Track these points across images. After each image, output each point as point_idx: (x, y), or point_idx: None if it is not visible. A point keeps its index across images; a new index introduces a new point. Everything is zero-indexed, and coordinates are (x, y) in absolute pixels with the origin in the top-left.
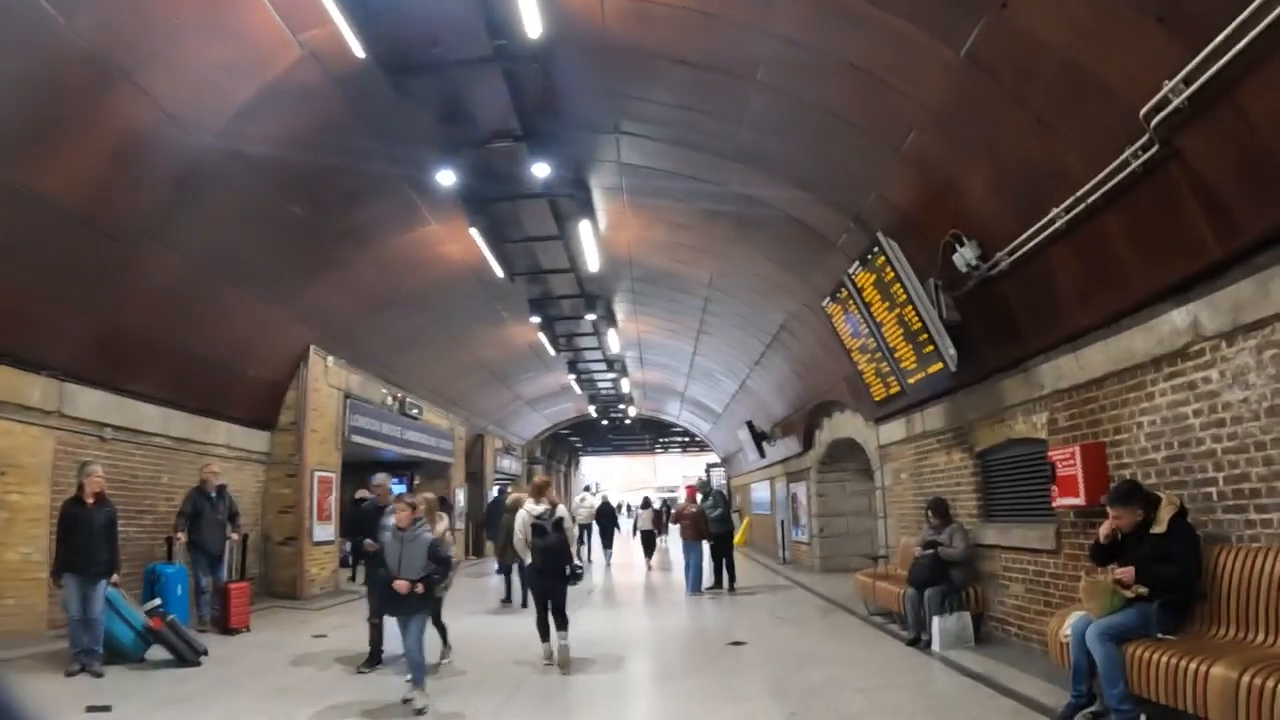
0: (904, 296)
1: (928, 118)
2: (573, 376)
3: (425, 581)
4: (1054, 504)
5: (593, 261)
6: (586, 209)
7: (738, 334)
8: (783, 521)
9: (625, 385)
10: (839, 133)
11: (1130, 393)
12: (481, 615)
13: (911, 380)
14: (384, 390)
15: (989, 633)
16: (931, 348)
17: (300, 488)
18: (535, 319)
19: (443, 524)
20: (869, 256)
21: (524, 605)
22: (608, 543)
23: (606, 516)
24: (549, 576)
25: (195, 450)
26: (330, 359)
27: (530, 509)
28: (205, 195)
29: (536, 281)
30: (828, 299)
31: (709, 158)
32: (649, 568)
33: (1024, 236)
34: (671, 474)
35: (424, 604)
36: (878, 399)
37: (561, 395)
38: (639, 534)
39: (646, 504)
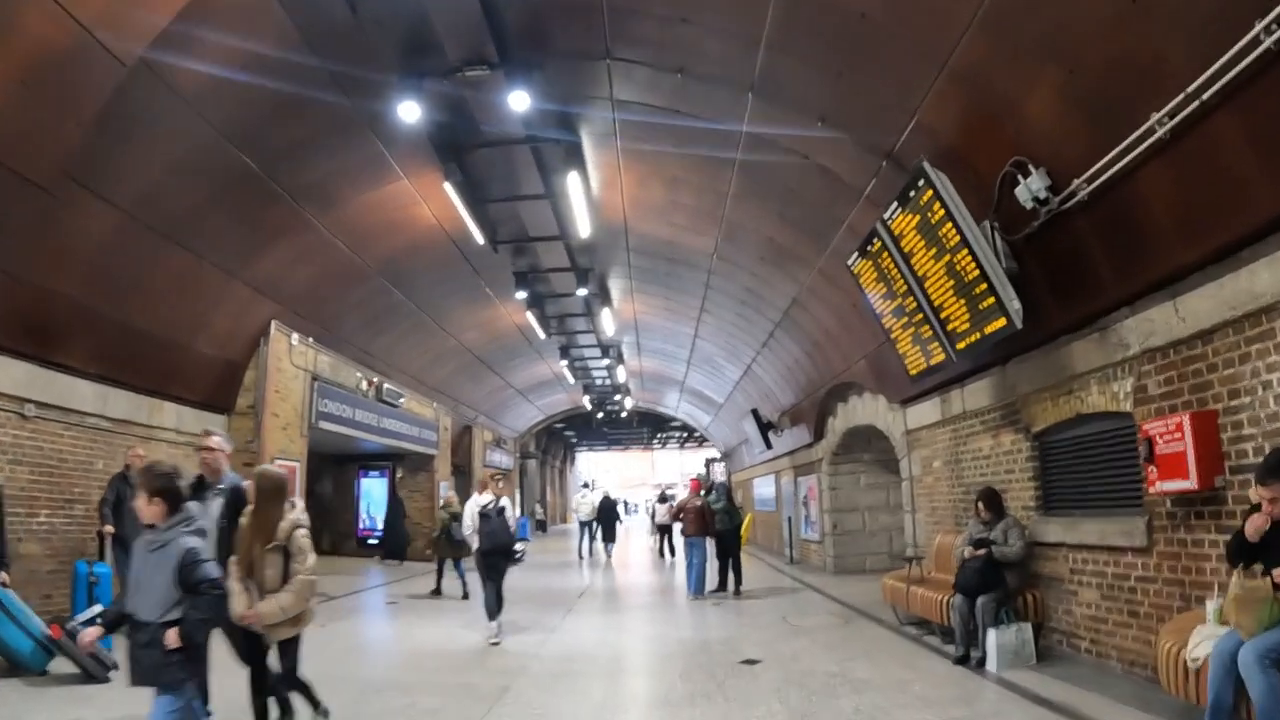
0: (956, 239)
1: (982, 14)
2: (565, 363)
3: (178, 628)
4: (1151, 489)
5: (584, 226)
6: (575, 159)
7: (744, 313)
8: (790, 518)
9: (621, 374)
10: (872, 45)
11: (1253, 344)
12: (439, 623)
13: (961, 345)
14: (358, 374)
15: (1049, 647)
16: (991, 301)
17: None
18: (522, 294)
19: (291, 516)
20: (910, 194)
21: (465, 597)
22: (609, 537)
23: (608, 511)
24: (493, 555)
25: (139, 434)
26: (295, 337)
27: (478, 500)
28: (136, 135)
29: (523, 253)
30: (855, 255)
31: (713, 89)
32: (670, 565)
33: (1110, 156)
34: (669, 470)
35: (176, 669)
36: (914, 373)
37: (554, 385)
38: (657, 529)
39: (664, 499)
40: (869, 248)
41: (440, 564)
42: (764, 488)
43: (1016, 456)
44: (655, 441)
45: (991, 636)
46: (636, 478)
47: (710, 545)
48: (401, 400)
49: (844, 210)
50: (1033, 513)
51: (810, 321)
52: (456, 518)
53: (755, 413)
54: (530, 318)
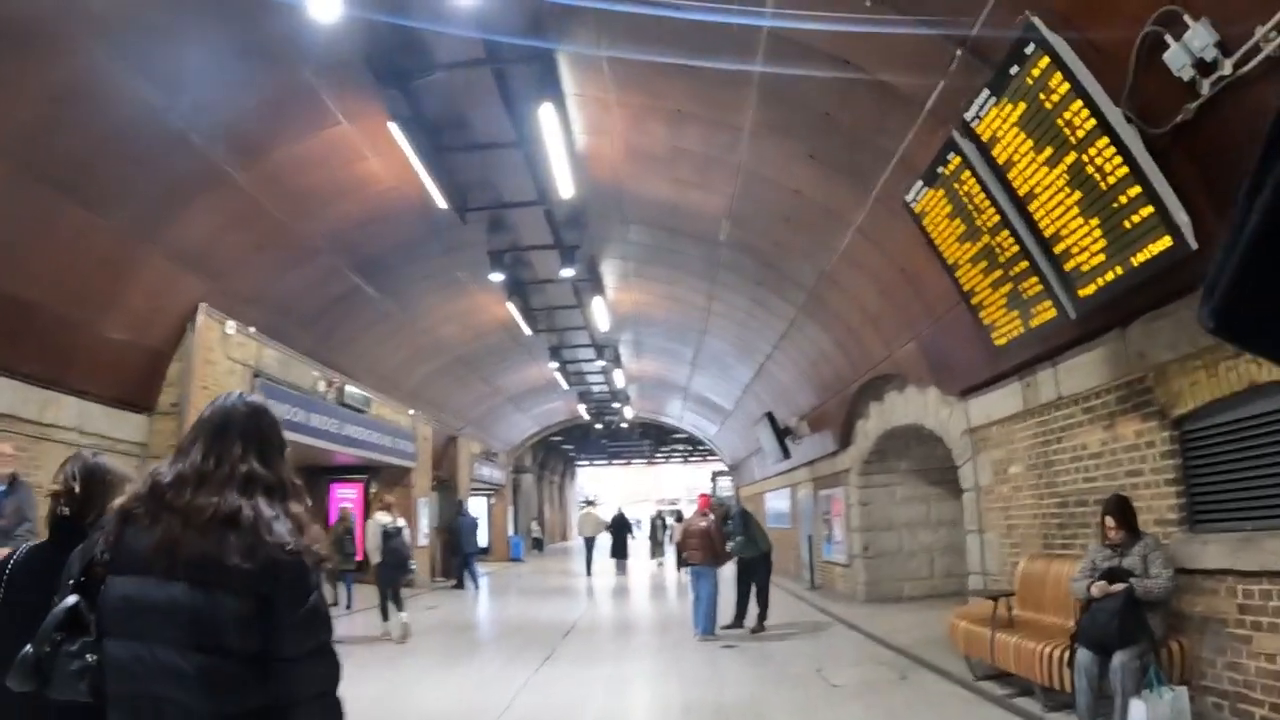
0: (1088, 125)
1: None
2: (555, 364)
3: None
4: None
5: (565, 183)
6: (548, 84)
7: (760, 296)
8: (810, 537)
9: (619, 378)
10: None
11: None
12: (378, 676)
13: (1087, 290)
14: (315, 373)
15: (1203, 714)
16: (1148, 212)
17: None
18: (497, 277)
19: None
20: (1011, 73)
21: (347, 607)
22: (620, 553)
23: (620, 528)
24: (390, 569)
25: (28, 433)
26: (231, 325)
27: (380, 519)
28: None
29: (500, 227)
30: (919, 185)
31: None
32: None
33: None
34: (674, 485)
35: None
36: (1002, 343)
37: (547, 392)
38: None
39: (680, 517)
40: (941, 169)
41: (344, 578)
42: (778, 502)
43: (1146, 453)
44: (659, 455)
45: (1138, 711)
46: (640, 494)
47: (718, 572)
48: (369, 405)
49: (896, 136)
50: (1173, 529)
51: (843, 300)
52: (349, 531)
53: (771, 416)
54: (512, 309)
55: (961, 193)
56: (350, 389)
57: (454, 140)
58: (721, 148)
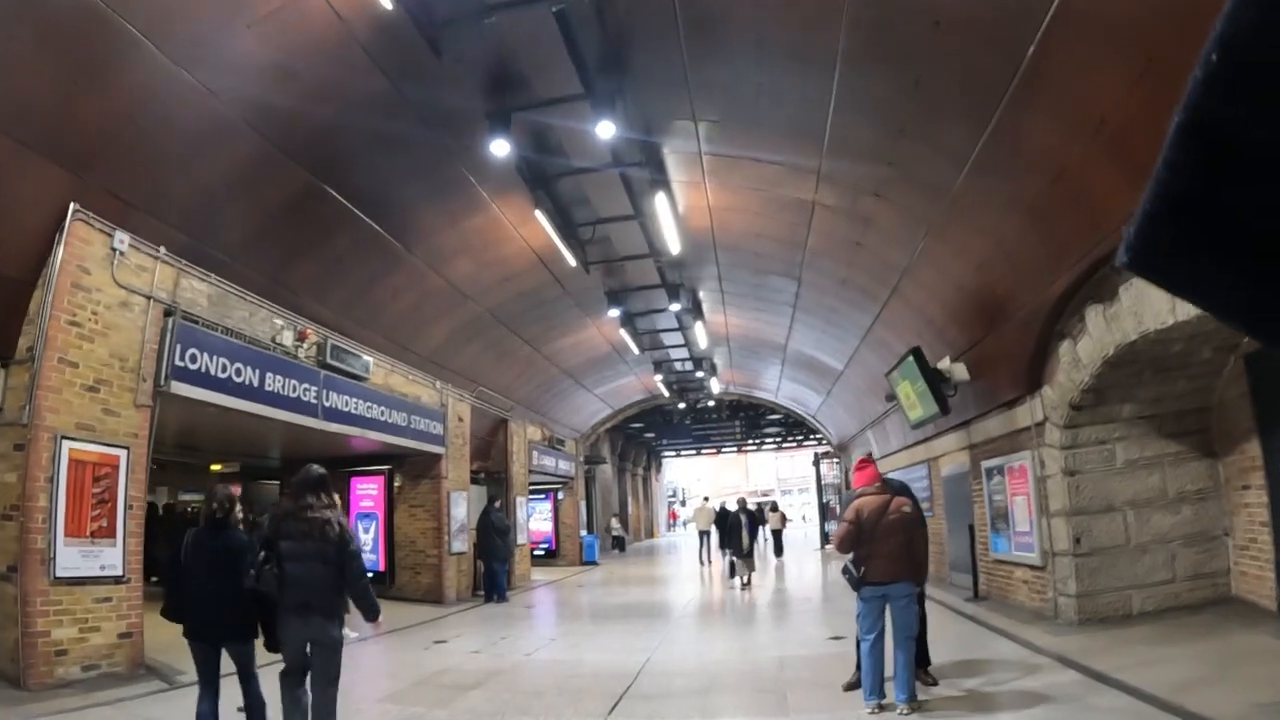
0: None
1: None
2: (617, 313)
3: None
4: None
5: None
6: None
7: (900, 155)
8: (970, 528)
9: (701, 335)
10: None
11: None
12: None
13: None
14: (278, 321)
15: None
16: None
17: (29, 471)
18: (500, 145)
19: None
20: None
21: None
22: (724, 545)
23: (721, 521)
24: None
25: None
26: (124, 237)
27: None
28: None
29: (506, 84)
30: None
31: None
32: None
33: None
34: (764, 476)
35: None
36: None
37: (614, 362)
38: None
39: (775, 507)
40: None
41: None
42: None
43: None
44: (750, 441)
45: None
46: (729, 485)
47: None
48: (369, 370)
49: None
50: None
51: (1049, 123)
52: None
53: (918, 354)
54: (544, 223)
55: None
56: (338, 345)
57: None
58: None
